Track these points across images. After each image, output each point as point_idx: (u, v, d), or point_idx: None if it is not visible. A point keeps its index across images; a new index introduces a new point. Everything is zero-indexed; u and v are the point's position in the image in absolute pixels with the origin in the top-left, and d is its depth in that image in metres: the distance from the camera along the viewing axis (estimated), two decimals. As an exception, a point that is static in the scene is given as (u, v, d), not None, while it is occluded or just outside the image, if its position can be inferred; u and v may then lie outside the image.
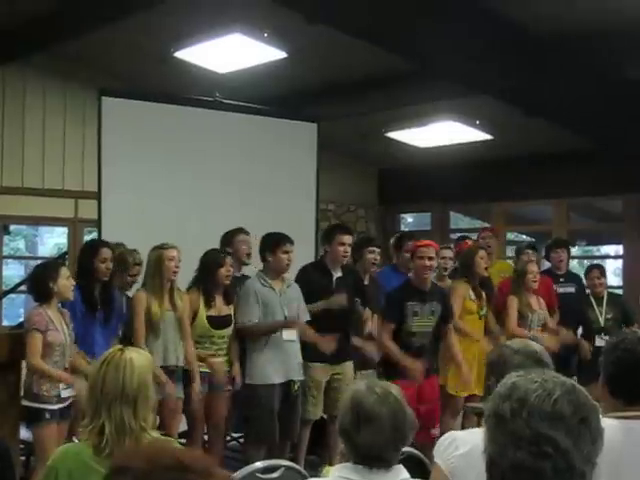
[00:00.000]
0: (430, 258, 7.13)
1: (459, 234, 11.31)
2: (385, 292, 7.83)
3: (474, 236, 9.25)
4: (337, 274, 7.52)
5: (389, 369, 7.08)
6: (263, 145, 9.14)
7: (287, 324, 7.08)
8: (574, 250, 12.62)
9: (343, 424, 3.11)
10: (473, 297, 8.05)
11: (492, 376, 3.43)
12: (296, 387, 7.14)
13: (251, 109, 9.19)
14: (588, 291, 9.01)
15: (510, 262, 10.19)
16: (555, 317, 8.77)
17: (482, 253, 8.18)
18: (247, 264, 7.77)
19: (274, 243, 7.11)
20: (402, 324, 7.19)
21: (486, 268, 8.25)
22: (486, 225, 13.00)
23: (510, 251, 12.29)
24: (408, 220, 14.52)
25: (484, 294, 8.16)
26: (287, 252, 7.12)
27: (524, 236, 13.25)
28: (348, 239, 7.52)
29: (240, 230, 7.80)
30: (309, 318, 7.31)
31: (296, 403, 7.19)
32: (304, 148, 9.45)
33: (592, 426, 1.91)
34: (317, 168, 9.54)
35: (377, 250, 8.15)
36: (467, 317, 8.01)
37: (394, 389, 3.16)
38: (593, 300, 8.81)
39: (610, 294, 9.08)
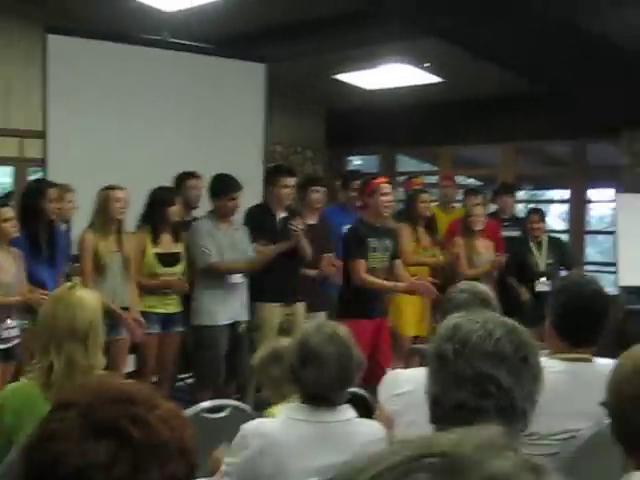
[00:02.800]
0: (390, 194, 7.18)
1: (406, 176, 11.55)
2: (336, 230, 7.85)
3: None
4: (280, 215, 7.50)
5: (349, 307, 6.93)
6: (211, 86, 9.09)
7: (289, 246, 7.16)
8: (521, 194, 12.89)
9: (291, 363, 3.15)
10: (416, 240, 8.21)
11: (438, 314, 3.61)
12: (241, 327, 7.20)
13: (199, 49, 9.12)
14: (524, 235, 9.08)
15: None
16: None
17: (425, 196, 8.29)
18: (196, 208, 7.71)
19: (222, 190, 7.12)
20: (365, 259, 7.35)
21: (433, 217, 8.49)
22: (434, 169, 13.32)
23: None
24: (356, 162, 14.48)
25: (429, 237, 8.26)
26: (234, 199, 7.14)
27: (471, 180, 13.21)
28: (291, 181, 7.52)
29: (191, 174, 7.77)
30: (254, 255, 7.36)
31: (242, 343, 7.23)
32: (252, 89, 9.39)
33: (533, 365, 1.96)
34: (265, 110, 9.51)
35: (322, 190, 8.13)
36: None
37: (342, 330, 3.19)
38: (533, 245, 8.88)
39: (551, 238, 9.15)
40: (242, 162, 8.64)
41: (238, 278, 7.18)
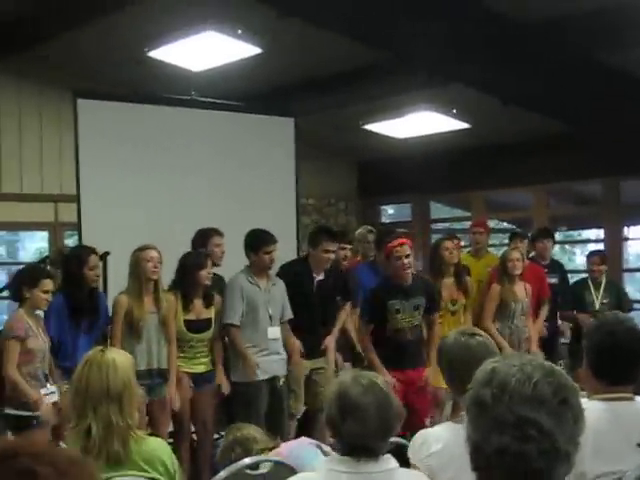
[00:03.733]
0: (407, 256, 7.16)
1: (440, 224, 11.56)
2: (363, 288, 7.88)
3: (457, 226, 9.37)
4: (319, 277, 7.54)
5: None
6: (241, 142, 9.12)
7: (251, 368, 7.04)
8: (555, 235, 12.77)
9: (329, 415, 3.13)
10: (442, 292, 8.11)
11: (441, 366, 3.58)
12: (281, 382, 7.19)
13: (227, 106, 9.21)
14: (586, 275, 9.12)
15: (497, 254, 10.08)
16: (545, 307, 8.71)
17: (447, 244, 8.13)
18: (219, 265, 7.65)
19: (257, 244, 7.11)
20: (386, 322, 7.23)
21: (461, 264, 8.24)
22: (467, 214, 13.09)
23: (494, 239, 12.32)
24: (389, 211, 14.36)
25: (458, 288, 8.06)
26: (270, 252, 7.10)
27: (505, 223, 13.17)
28: (333, 246, 7.51)
29: (214, 231, 7.72)
30: (291, 316, 7.36)
31: (282, 398, 7.24)
32: (282, 143, 9.43)
33: (573, 406, 1.93)
34: (295, 162, 9.54)
35: (348, 247, 8.23)
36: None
37: (380, 380, 3.18)
38: (591, 285, 8.93)
39: (609, 280, 9.14)
40: (276, 216, 8.67)
41: (276, 333, 7.15)
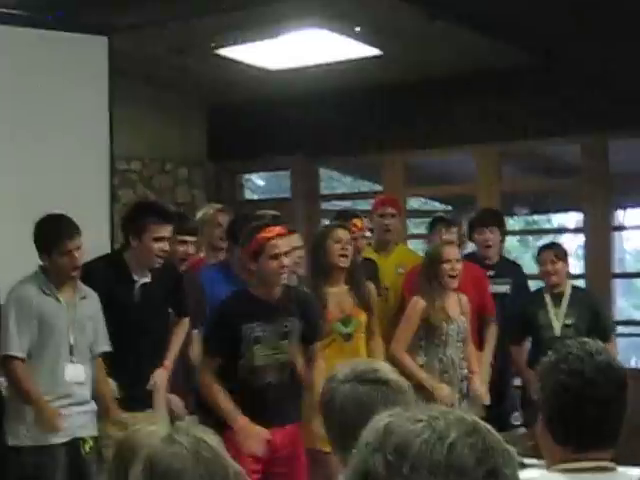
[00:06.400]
0: (286, 253, 6.89)
1: (335, 202, 11.45)
2: (211, 301, 7.66)
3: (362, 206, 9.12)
4: (142, 279, 7.34)
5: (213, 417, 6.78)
6: (32, 69, 9.00)
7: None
8: (511, 222, 12.83)
9: None
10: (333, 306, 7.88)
11: (326, 423, 3.68)
12: (87, 448, 7.06)
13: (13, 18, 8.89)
14: (542, 284, 8.96)
15: (412, 248, 10.19)
16: (493, 328, 8.82)
17: (339, 234, 7.92)
18: None
19: (50, 239, 6.93)
20: (237, 357, 6.94)
21: (361, 262, 8.23)
22: (377, 188, 12.75)
23: (413, 226, 12.45)
24: (257, 183, 14.21)
25: (355, 299, 8.01)
26: (70, 250, 6.87)
27: (436, 203, 13.09)
28: (166, 231, 7.25)
29: None
30: (108, 348, 7.18)
31: (87, 473, 7.02)
32: (88, 76, 9.28)
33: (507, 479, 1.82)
34: (109, 106, 9.35)
35: (191, 239, 8.04)
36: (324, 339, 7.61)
37: (210, 437, 3.07)
38: (548, 298, 8.74)
39: (575, 289, 8.89)
40: (77, 189, 8.72)
41: (80, 373, 7.05)
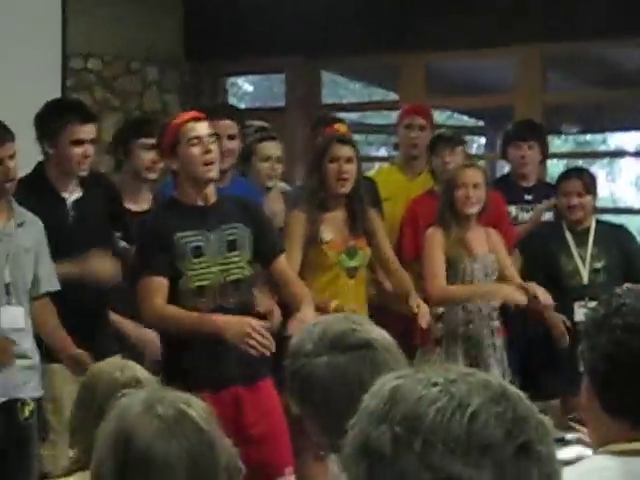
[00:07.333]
0: (211, 138, 6.67)
1: (340, 113, 10.98)
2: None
3: (373, 119, 10.09)
4: (74, 196, 7.09)
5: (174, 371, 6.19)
6: None
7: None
8: (557, 141, 11.94)
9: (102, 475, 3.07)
10: (326, 235, 7.59)
11: (305, 408, 3.48)
12: (27, 412, 6.86)
13: None
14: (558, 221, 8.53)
15: None
16: (513, 264, 8.26)
17: (337, 151, 7.51)
18: None
19: None
20: (175, 280, 6.40)
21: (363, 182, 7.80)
22: (392, 96, 12.19)
23: None
24: (244, 88, 14.35)
25: (352, 227, 7.63)
26: (2, 159, 6.49)
27: (465, 117, 12.61)
28: (88, 131, 6.96)
29: None
30: (56, 287, 6.81)
31: (28, 439, 6.85)
32: None
33: (541, 459, 1.81)
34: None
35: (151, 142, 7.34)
36: (319, 274, 7.51)
37: (196, 406, 3.10)
38: (570, 237, 8.32)
39: (601, 226, 8.42)
40: (25, 94, 8.73)
41: (19, 318, 6.76)
